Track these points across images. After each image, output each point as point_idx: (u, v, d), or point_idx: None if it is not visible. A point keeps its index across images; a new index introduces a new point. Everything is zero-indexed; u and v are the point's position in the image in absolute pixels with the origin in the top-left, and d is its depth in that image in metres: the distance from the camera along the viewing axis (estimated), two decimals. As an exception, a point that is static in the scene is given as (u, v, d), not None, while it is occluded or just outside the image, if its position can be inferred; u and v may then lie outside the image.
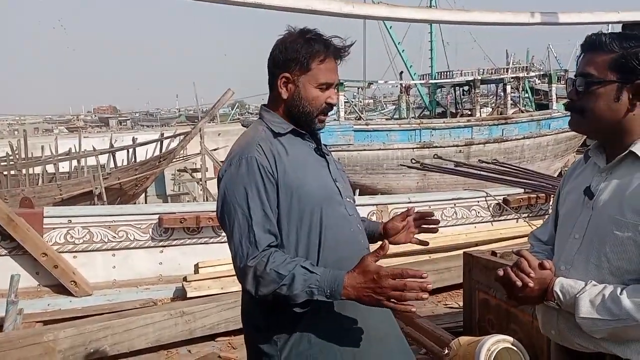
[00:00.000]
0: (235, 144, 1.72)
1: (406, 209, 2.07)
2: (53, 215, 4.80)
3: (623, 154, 1.42)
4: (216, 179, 1.76)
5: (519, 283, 1.44)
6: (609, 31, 1.49)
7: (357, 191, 15.52)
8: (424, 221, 2.00)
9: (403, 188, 16.51)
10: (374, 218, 5.84)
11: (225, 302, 4.01)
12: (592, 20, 6.63)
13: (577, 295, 1.39)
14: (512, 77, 20.73)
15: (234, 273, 1.64)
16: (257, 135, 1.67)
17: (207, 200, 12.12)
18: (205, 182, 13.36)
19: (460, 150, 17.92)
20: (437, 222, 2.03)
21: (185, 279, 4.89)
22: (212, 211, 4.90)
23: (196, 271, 5.05)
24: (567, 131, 18.86)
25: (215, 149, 14.69)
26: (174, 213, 5.07)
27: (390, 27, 21.73)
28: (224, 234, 1.73)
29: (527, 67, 23.17)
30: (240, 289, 1.66)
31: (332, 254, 1.63)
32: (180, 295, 4.85)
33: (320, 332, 1.61)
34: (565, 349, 1.52)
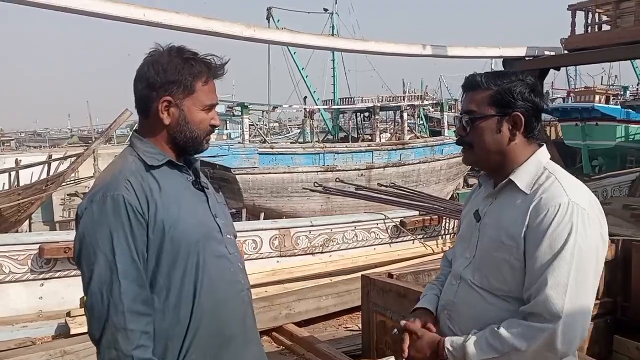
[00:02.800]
0: (100, 177, 1.54)
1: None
2: None
3: (504, 181, 1.52)
4: (75, 214, 1.55)
5: (405, 355, 1.55)
6: (484, 71, 1.60)
7: (262, 215, 15.41)
8: None
9: (308, 211, 16.67)
10: (276, 242, 5.78)
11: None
12: (476, 55, 7.19)
13: (465, 344, 1.45)
14: (408, 105, 21.93)
15: None
16: (126, 168, 1.50)
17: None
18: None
19: (362, 174, 18.50)
20: None
21: (68, 314, 4.48)
22: (70, 240, 4.57)
23: (82, 305, 4.65)
24: (458, 156, 20.22)
25: (110, 172, 13.86)
26: (57, 242, 4.66)
27: (295, 52, 22.10)
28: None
29: (421, 95, 24.63)
30: None
31: (210, 297, 1.50)
32: (64, 332, 4.42)
33: None
34: None
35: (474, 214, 1.59)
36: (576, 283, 1.37)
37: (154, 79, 1.50)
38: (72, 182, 13.86)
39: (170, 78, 1.50)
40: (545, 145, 1.59)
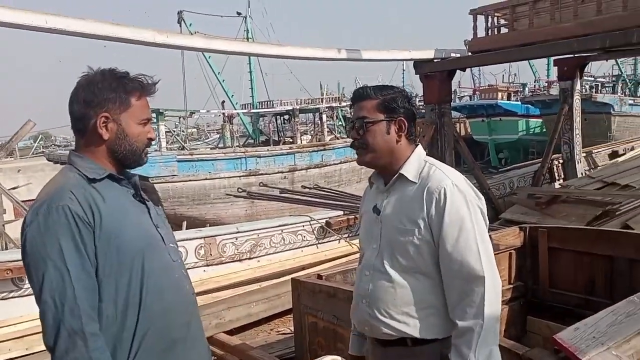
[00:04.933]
0: (42, 193, 1.57)
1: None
2: None
3: (395, 176, 1.76)
4: (20, 229, 1.56)
5: None
6: (370, 85, 1.83)
7: (184, 224, 15.02)
8: None
9: (232, 217, 16.45)
10: (202, 252, 5.69)
11: (31, 366, 3.50)
12: (389, 58, 7.48)
13: None
14: (327, 107, 22.30)
15: (40, 330, 1.47)
16: (68, 182, 1.55)
17: (5, 248, 10.56)
18: (4, 226, 11.66)
19: (285, 177, 18.55)
20: None
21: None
22: (12, 261, 4.27)
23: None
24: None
25: (14, 188, 12.97)
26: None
27: (209, 57, 21.72)
28: (26, 285, 1.54)
29: (339, 97, 25.07)
30: None
31: (157, 303, 1.57)
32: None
33: None
34: (378, 340, 1.79)
35: (373, 209, 1.81)
36: (483, 244, 1.66)
37: (90, 97, 1.58)
38: (-27, 202, 12.79)
39: (106, 95, 1.59)
40: (420, 144, 1.89)
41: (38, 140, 38.47)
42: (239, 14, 23.75)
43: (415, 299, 1.70)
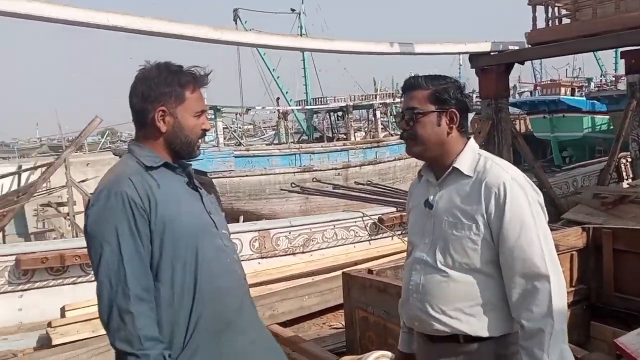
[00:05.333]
0: (103, 179, 1.67)
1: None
2: None
3: (449, 170, 1.70)
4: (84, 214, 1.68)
5: None
6: (423, 75, 1.79)
7: (241, 218, 15.37)
8: None
9: (287, 212, 16.65)
10: (256, 244, 5.82)
11: (96, 347, 3.70)
12: (443, 51, 7.34)
13: None
14: (380, 103, 22.07)
15: None
16: (127, 169, 1.64)
17: (76, 236, 11.19)
18: (74, 216, 12.37)
19: (339, 173, 18.58)
20: None
21: (49, 324, 4.44)
22: (80, 247, 4.54)
23: (63, 315, 4.62)
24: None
25: (83, 180, 13.68)
26: (34, 253, 4.61)
27: (264, 53, 22.05)
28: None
29: (393, 93, 24.78)
30: None
31: (210, 286, 1.64)
32: (45, 343, 4.39)
33: None
34: (428, 336, 1.75)
35: (425, 202, 1.76)
36: (546, 240, 1.60)
37: (148, 92, 1.66)
38: (45, 192, 13.61)
39: (162, 90, 1.66)
40: (472, 137, 1.84)
41: (105, 135, 40.49)
42: (292, 10, 23.96)
43: (469, 295, 1.65)
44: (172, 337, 1.58)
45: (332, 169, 18.60)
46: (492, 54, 7.86)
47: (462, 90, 1.74)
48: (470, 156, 1.71)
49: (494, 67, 7.85)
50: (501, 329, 1.65)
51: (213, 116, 19.18)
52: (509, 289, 1.62)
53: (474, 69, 8.12)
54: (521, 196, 1.61)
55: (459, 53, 7.76)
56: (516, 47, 7.93)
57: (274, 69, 23.44)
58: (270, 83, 23.72)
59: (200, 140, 1.75)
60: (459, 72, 41.20)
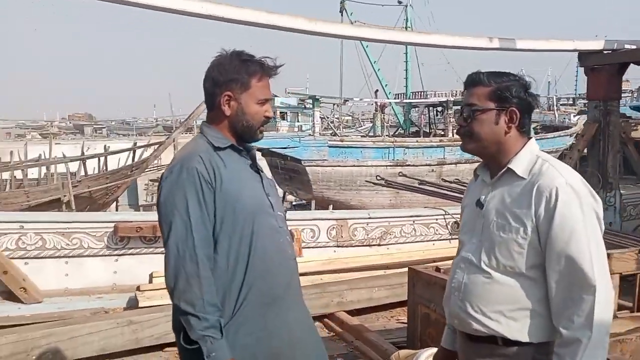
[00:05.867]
0: (177, 155, 1.85)
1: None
2: (4, 220, 4.74)
3: (503, 170, 1.68)
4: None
5: None
6: (486, 71, 1.75)
7: (331, 207, 15.61)
8: None
9: (376, 205, 16.62)
10: (333, 233, 5.92)
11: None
12: (547, 48, 6.90)
13: None
14: (483, 100, 21.18)
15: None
16: (198, 147, 1.79)
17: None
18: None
19: (433, 170, 18.17)
20: None
21: (138, 288, 4.86)
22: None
23: (150, 280, 5.02)
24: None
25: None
26: (131, 222, 5.06)
27: (367, 45, 22.05)
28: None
29: (536, 95, 23.63)
30: None
31: (261, 262, 1.76)
32: (134, 305, 4.81)
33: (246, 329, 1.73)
34: (467, 335, 1.75)
35: (476, 202, 1.74)
36: (597, 249, 1.55)
37: (218, 78, 1.80)
38: (155, 168, 14.72)
39: (230, 77, 1.79)
40: (533, 137, 1.76)
41: (210, 119, 42.64)
42: (399, 2, 23.70)
43: (511, 298, 1.62)
44: (223, 305, 1.70)
45: (426, 165, 18.21)
46: (604, 52, 7.27)
47: (527, 89, 1.69)
48: (527, 157, 1.66)
49: (605, 66, 7.24)
50: (541, 335, 1.61)
51: (311, 106, 19.59)
52: (552, 295, 1.58)
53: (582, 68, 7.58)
54: (573, 201, 1.55)
55: (567, 50, 7.24)
56: (634, 47, 7.26)
57: (375, 61, 23.39)
58: (371, 75, 23.73)
59: (263, 127, 1.86)
60: (576, 72, 38.33)
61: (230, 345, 1.66)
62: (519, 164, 1.65)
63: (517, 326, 1.62)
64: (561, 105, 37.68)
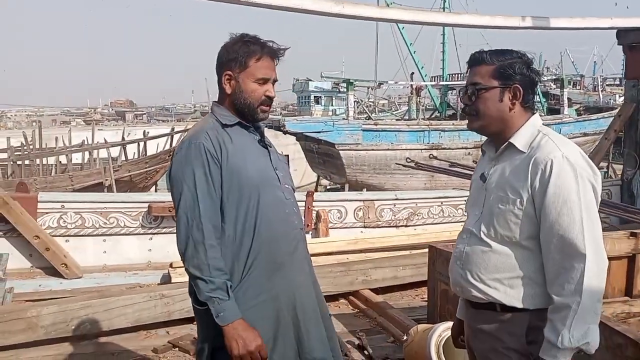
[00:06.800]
0: (189, 132, 1.98)
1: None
2: (47, 200, 5.03)
3: (505, 144, 1.73)
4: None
5: None
6: (489, 49, 1.78)
7: (365, 190, 15.63)
8: None
9: (410, 189, 16.56)
10: (360, 214, 5.99)
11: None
12: (584, 26, 6.70)
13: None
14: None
15: None
16: (206, 125, 1.91)
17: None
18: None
19: (469, 153, 17.90)
20: None
21: (171, 265, 5.08)
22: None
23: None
24: (577, 137, 18.73)
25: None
26: (163, 202, 5.27)
27: (403, 27, 21.75)
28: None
29: (539, 71, 22.97)
30: None
31: (267, 231, 1.87)
32: (167, 281, 5.03)
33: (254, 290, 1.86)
34: (469, 302, 1.83)
35: (480, 176, 1.81)
36: (589, 220, 1.58)
37: (221, 58, 1.93)
38: (190, 153, 15.02)
39: (230, 57, 1.90)
40: (537, 112, 1.80)
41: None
42: (436, -17, 23.20)
43: (508, 267, 1.69)
44: (232, 271, 1.83)
45: (463, 147, 17.97)
46: (645, 28, 6.99)
47: (529, 65, 1.73)
48: (528, 132, 1.71)
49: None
50: (536, 302, 1.67)
51: (345, 89, 19.53)
52: (547, 263, 1.63)
53: (621, 46, 7.32)
54: (568, 173, 1.59)
55: (603, 28, 7.00)
56: (676, 21, 6.96)
57: (411, 44, 23.07)
58: (407, 58, 23.44)
59: (266, 106, 1.94)
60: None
61: (241, 307, 1.79)
62: (520, 139, 1.70)
63: (513, 293, 1.68)
64: (607, 85, 36.31)
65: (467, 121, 1.81)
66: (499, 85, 1.69)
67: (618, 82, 38.40)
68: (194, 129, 1.95)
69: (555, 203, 1.58)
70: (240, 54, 1.88)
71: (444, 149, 17.46)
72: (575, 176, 1.59)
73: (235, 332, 1.74)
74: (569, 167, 1.59)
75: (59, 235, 5.05)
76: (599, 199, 1.66)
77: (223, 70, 1.92)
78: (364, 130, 17.58)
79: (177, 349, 3.83)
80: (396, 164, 13.79)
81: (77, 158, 16.86)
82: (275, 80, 1.96)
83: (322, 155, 18.15)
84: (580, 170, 1.60)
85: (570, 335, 1.54)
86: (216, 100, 2.02)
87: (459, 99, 23.33)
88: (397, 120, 22.92)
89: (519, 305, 1.68)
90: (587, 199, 1.59)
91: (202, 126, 1.92)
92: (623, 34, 7.01)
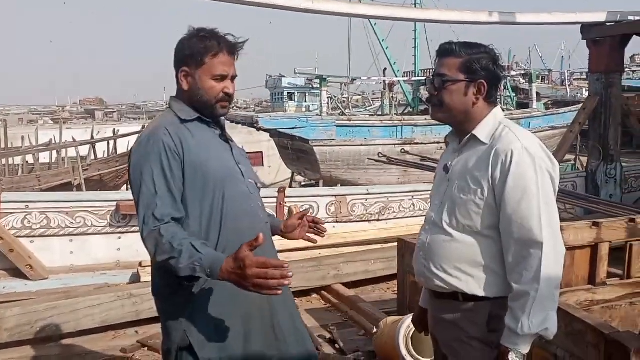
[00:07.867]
0: (147, 127, 1.94)
1: (307, 208, 2.27)
2: (10, 200, 4.89)
3: (467, 136, 1.77)
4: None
5: None
6: (458, 41, 1.80)
7: (339, 186, 15.66)
8: (315, 226, 2.23)
9: (384, 184, 16.66)
10: (332, 209, 6.00)
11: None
12: (549, 21, 6.84)
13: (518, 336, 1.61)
14: (493, 76, 20.91)
15: None
16: (165, 120, 1.88)
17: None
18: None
19: (441, 147, 18.06)
20: (324, 230, 2.27)
21: (140, 264, 5.00)
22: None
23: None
24: (546, 130, 19.14)
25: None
26: (132, 200, 5.16)
27: (375, 24, 21.82)
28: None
29: (509, 66, 23.40)
30: None
31: (233, 224, 1.85)
32: (136, 280, 4.95)
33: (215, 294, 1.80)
34: (433, 292, 1.86)
35: (444, 167, 1.85)
36: (547, 209, 1.62)
37: (178, 54, 1.88)
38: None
39: (186, 52, 1.85)
40: (499, 105, 1.85)
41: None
42: (407, -21, 23.32)
43: (469, 256, 1.72)
44: None
45: (435, 142, 18.12)
46: (607, 24, 7.18)
47: (496, 61, 1.76)
48: (490, 124, 1.74)
49: (607, 38, 7.15)
50: (497, 291, 1.71)
51: (318, 85, 19.53)
52: (506, 252, 1.67)
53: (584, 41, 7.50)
54: (528, 164, 1.62)
55: (569, 23, 7.16)
56: (637, 18, 7.16)
57: (383, 39, 23.15)
58: (379, 54, 23.53)
59: (224, 103, 1.89)
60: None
61: (210, 302, 1.78)
62: (482, 131, 1.74)
63: (474, 282, 1.72)
64: (574, 80, 37.12)
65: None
66: (465, 79, 1.72)
67: (585, 77, 39.29)
68: (152, 124, 1.92)
69: (514, 193, 1.62)
70: (196, 50, 1.83)
71: (417, 143, 17.60)
72: (534, 167, 1.62)
73: (232, 272, 1.59)
74: (528, 158, 1.63)
75: (24, 236, 4.93)
76: (557, 189, 1.70)
77: (179, 67, 1.88)
78: (337, 126, 17.59)
79: (146, 348, 3.79)
80: (368, 159, 13.87)
81: (44, 158, 16.46)
82: (234, 77, 1.92)
83: (296, 152, 18.11)
84: (539, 161, 1.64)
85: (529, 322, 1.58)
86: (174, 95, 1.97)
87: (425, 88, 23.56)
88: (370, 115, 23.04)
89: (481, 293, 1.71)
90: (545, 189, 1.63)
91: (160, 122, 1.88)
92: (587, 29, 7.19)
